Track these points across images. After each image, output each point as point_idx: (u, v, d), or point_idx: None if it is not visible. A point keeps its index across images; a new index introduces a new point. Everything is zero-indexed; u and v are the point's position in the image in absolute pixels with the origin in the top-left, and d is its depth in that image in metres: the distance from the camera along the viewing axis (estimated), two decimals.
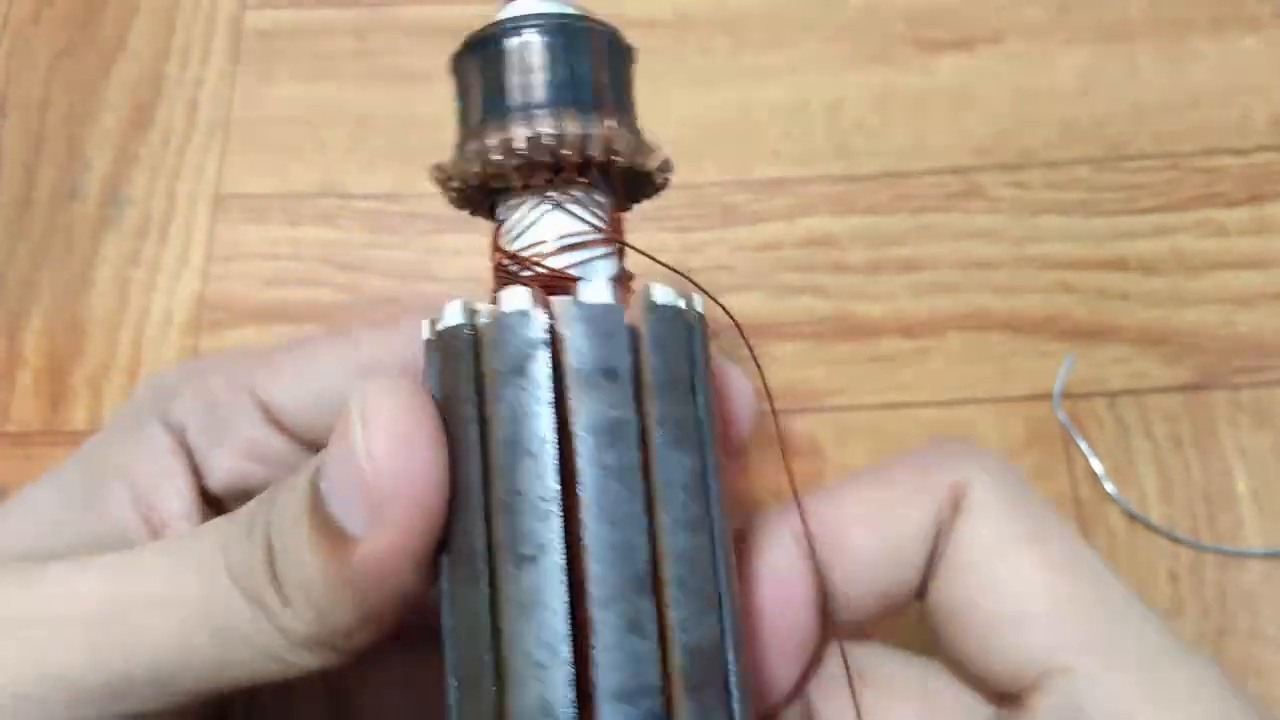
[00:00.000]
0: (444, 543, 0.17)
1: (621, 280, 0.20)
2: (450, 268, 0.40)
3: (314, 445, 0.22)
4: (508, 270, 0.19)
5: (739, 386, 0.21)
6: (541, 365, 0.17)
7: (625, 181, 0.20)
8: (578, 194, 0.19)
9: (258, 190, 0.42)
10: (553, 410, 0.17)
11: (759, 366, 0.21)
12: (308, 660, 0.18)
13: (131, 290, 0.40)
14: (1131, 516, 0.35)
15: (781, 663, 0.20)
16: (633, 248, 0.20)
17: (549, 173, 0.19)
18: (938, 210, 0.40)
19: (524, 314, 0.17)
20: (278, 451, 0.22)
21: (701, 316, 0.19)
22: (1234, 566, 0.34)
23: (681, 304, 0.18)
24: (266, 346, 0.24)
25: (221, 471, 0.22)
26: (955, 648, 0.20)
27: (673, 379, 0.17)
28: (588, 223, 0.19)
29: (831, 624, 0.21)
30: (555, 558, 0.16)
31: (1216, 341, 0.38)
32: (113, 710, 0.18)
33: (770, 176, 0.41)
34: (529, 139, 0.18)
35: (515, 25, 0.19)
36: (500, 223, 0.20)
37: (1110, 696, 0.18)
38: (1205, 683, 0.18)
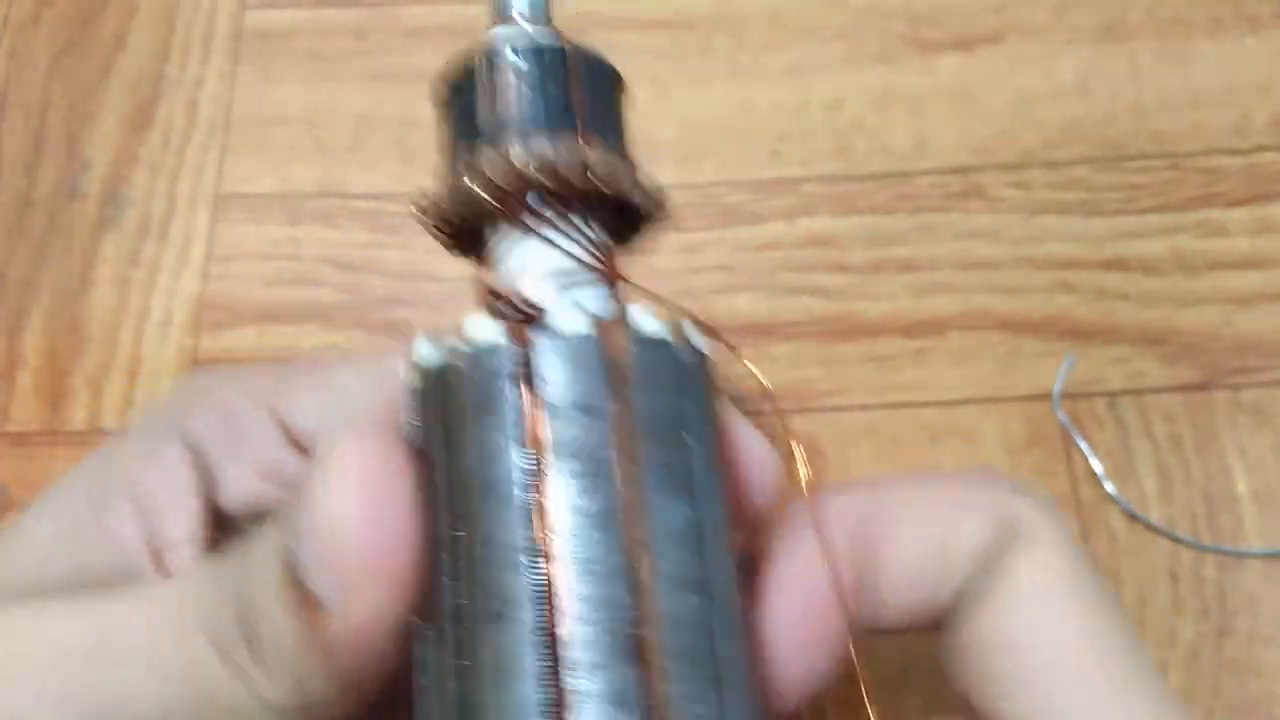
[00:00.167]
0: (417, 604, 0.16)
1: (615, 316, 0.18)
2: (450, 268, 0.39)
3: None
4: (492, 307, 0.18)
5: (756, 453, 0.18)
6: (510, 401, 0.15)
7: (621, 215, 0.20)
8: (561, 225, 0.18)
9: (258, 190, 0.42)
10: (523, 450, 0.15)
11: (784, 423, 0.19)
12: None
13: (131, 290, 0.40)
14: (1131, 516, 0.35)
15: (796, 680, 0.18)
16: (628, 281, 0.19)
17: (528, 202, 0.18)
18: (938, 210, 0.40)
19: (492, 347, 0.16)
20: (295, 472, 0.22)
21: (704, 356, 0.17)
22: (1234, 566, 0.34)
23: (669, 336, 0.17)
24: (289, 362, 0.23)
25: (236, 489, 0.22)
26: (978, 687, 0.18)
27: (662, 417, 0.16)
28: (570, 254, 0.18)
29: (859, 632, 0.19)
30: (527, 615, 0.14)
31: (1216, 341, 0.38)
32: None
33: (770, 176, 0.41)
34: (498, 164, 0.18)
35: (488, 54, 0.19)
36: (484, 258, 0.19)
37: None
38: None
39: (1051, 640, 0.18)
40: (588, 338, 0.16)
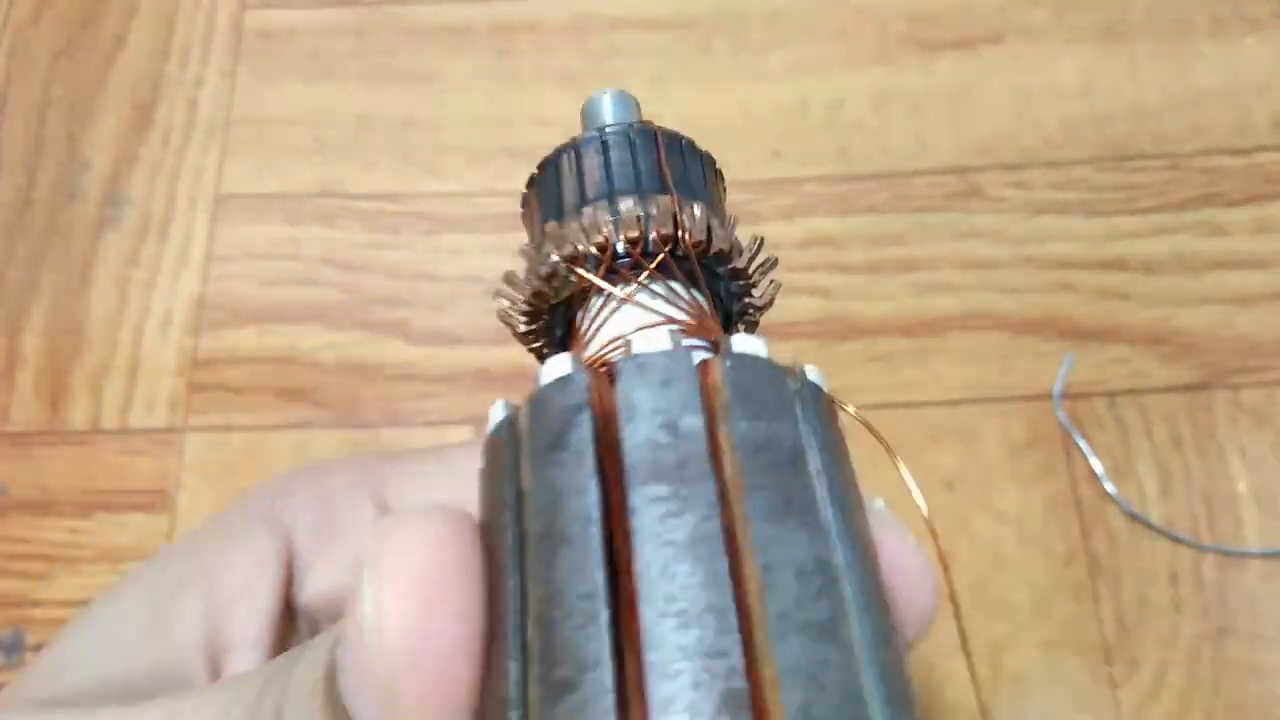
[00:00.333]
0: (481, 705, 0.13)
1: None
2: (450, 267, 0.40)
3: None
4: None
5: (907, 560, 0.14)
6: (583, 431, 0.13)
7: (733, 292, 0.18)
8: (656, 288, 0.17)
9: (258, 190, 0.42)
10: (597, 483, 0.13)
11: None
12: None
13: (131, 290, 0.40)
14: (1131, 516, 0.35)
15: None
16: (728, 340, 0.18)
17: (614, 265, 0.17)
18: (938, 210, 0.40)
19: (563, 380, 0.14)
20: None
21: (819, 390, 0.15)
22: (1234, 566, 0.34)
23: (765, 353, 0.15)
24: (406, 450, 0.22)
25: (325, 581, 0.20)
26: None
27: (766, 440, 0.13)
28: (664, 314, 0.16)
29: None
30: (605, 677, 0.11)
31: (1216, 341, 0.38)
32: None
33: (770, 176, 0.41)
34: (581, 229, 0.17)
35: (575, 145, 0.18)
36: (576, 335, 0.17)
37: None
38: None
39: None
40: (670, 351, 0.14)
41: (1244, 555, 0.34)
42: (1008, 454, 0.36)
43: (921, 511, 0.15)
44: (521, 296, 0.17)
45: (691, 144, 0.18)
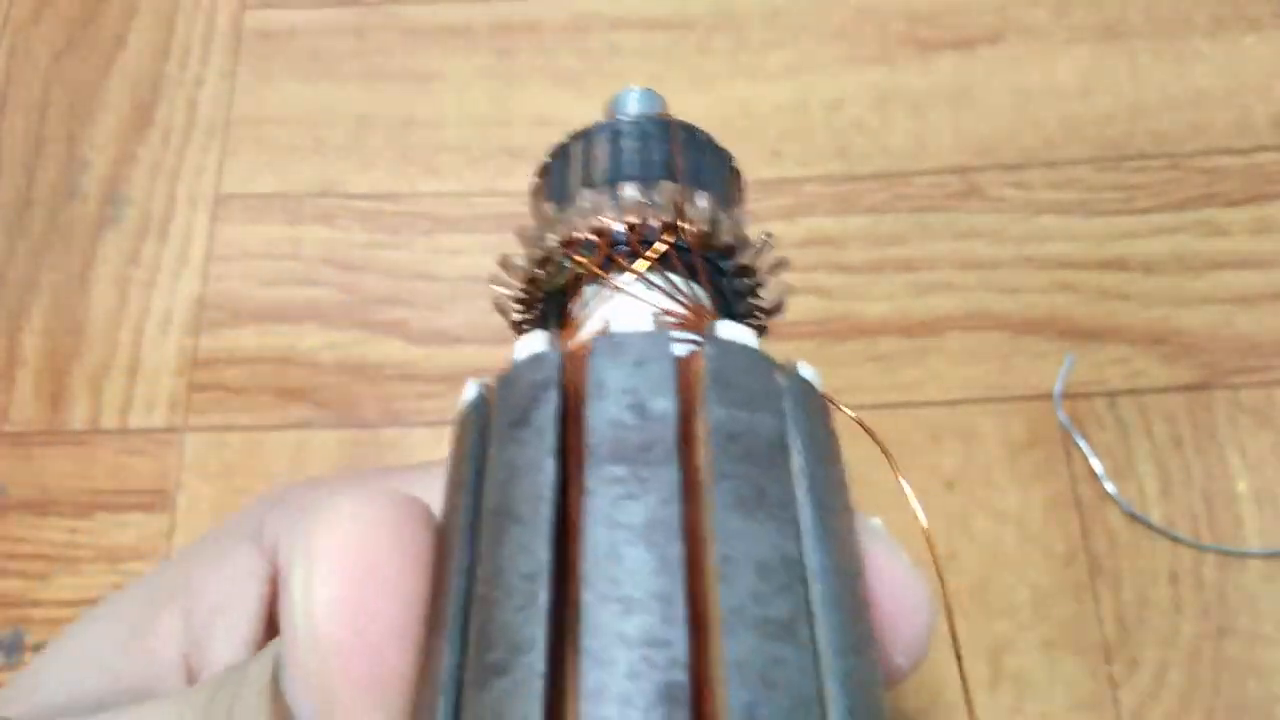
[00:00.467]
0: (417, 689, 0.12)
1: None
2: (450, 267, 0.40)
3: None
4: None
5: (899, 578, 0.13)
6: (548, 409, 0.12)
7: (723, 274, 0.18)
8: (654, 279, 0.16)
9: (258, 190, 0.42)
10: (555, 461, 0.12)
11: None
12: None
13: (131, 290, 0.40)
14: (1131, 516, 0.35)
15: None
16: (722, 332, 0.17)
17: (611, 252, 0.16)
18: (938, 210, 0.40)
19: (536, 357, 0.13)
20: None
21: (811, 388, 0.14)
22: (1234, 566, 0.34)
23: (754, 344, 0.14)
24: (403, 464, 0.22)
25: None
26: None
27: (743, 430, 0.12)
28: (653, 304, 0.16)
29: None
30: (536, 661, 0.10)
31: (1216, 341, 0.38)
32: None
33: (770, 176, 0.41)
34: (581, 214, 0.16)
35: (586, 132, 0.18)
36: (568, 324, 0.17)
37: None
38: None
39: None
40: (648, 333, 0.13)
41: (1244, 555, 0.34)
42: (1008, 454, 0.36)
43: (919, 517, 0.15)
44: (516, 282, 0.17)
45: (710, 139, 0.18)
